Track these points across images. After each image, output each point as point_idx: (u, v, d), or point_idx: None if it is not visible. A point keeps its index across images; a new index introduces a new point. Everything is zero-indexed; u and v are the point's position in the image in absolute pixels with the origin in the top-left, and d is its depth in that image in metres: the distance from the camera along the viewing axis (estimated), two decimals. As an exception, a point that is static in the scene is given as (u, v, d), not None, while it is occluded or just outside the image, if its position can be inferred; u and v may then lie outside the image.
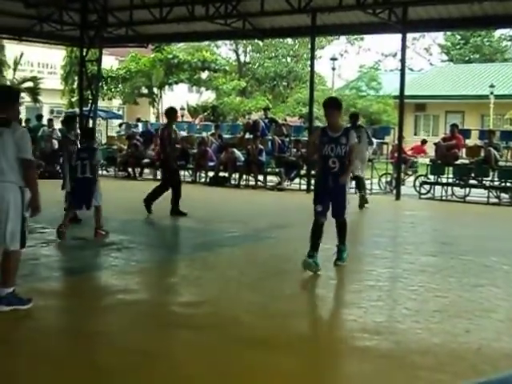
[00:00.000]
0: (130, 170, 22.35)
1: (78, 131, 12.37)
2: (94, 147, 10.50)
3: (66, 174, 11.06)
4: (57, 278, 7.88)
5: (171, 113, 12.98)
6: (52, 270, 8.13)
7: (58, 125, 22.48)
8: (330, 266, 8.39)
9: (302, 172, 19.83)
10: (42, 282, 7.41)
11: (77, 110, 26.30)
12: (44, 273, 8.00)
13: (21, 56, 34.12)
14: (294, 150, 20.78)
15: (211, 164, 20.82)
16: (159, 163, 13.62)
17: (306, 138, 20.50)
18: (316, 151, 8.32)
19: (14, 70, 34.81)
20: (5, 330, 5.69)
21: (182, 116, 36.51)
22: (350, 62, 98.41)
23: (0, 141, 5.90)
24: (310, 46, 22.21)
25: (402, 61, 18.84)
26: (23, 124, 22.69)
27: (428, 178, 18.93)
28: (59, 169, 16.48)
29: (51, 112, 38.14)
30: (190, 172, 21.65)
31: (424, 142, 21.94)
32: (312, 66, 20.58)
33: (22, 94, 35.61)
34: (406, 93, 19.15)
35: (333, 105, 8.17)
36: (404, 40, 18.29)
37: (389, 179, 19.71)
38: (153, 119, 38.54)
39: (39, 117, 24.13)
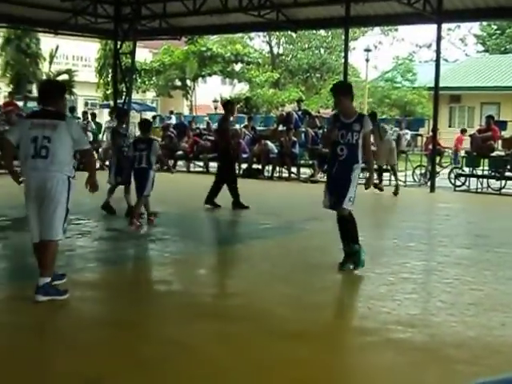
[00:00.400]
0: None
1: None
2: (151, 138, 10.78)
3: (112, 167, 11.32)
4: (92, 269, 7.94)
5: (229, 105, 13.32)
6: (87, 261, 8.20)
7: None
8: (371, 261, 8.34)
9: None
10: (78, 273, 7.48)
11: (111, 102, 26.51)
12: (79, 264, 8.08)
13: (56, 49, 34.46)
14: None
15: (244, 156, 20.83)
16: (218, 155, 13.55)
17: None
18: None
19: (50, 62, 35.17)
20: (42, 320, 5.77)
21: (216, 108, 36.58)
22: (383, 53, 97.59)
23: (55, 133, 6.10)
24: (343, 37, 22.09)
25: (437, 51, 18.64)
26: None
27: (463, 170, 18.75)
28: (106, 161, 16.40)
29: (86, 104, 38.54)
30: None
31: (463, 131, 21.73)
32: (346, 57, 20.44)
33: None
34: (441, 84, 18.97)
35: (338, 91, 7.68)
36: (439, 30, 18.10)
37: (423, 171, 19.55)
38: (186, 111, 38.68)
39: (72, 109, 24.34)
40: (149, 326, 5.64)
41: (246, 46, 43.02)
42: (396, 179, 16.43)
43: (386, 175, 19.02)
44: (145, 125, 11.10)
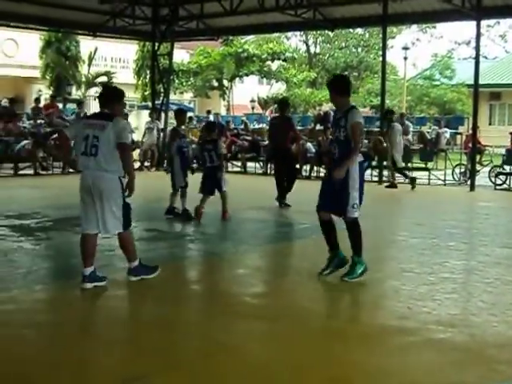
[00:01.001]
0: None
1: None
2: (216, 139, 11.32)
3: (177, 169, 11.20)
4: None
5: (286, 105, 13.75)
6: (126, 261, 8.27)
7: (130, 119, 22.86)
8: (404, 258, 8.31)
9: (374, 163, 19.64)
10: (118, 273, 7.54)
11: (149, 103, 26.69)
12: (119, 264, 8.13)
13: (95, 51, 34.77)
14: (366, 141, 20.59)
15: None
16: (280, 154, 13.49)
17: (377, 129, 20.31)
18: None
19: (89, 65, 35.51)
20: (82, 320, 5.85)
21: (253, 108, 36.68)
22: (422, 51, 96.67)
23: (102, 134, 6.48)
24: (380, 35, 21.96)
25: (477, 48, 18.42)
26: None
27: (503, 169, 18.50)
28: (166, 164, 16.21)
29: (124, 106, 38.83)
30: (261, 164, 21.71)
31: None
32: (384, 55, 20.32)
33: (96, 89, 36.43)
34: (481, 81, 18.73)
35: (328, 86, 7.35)
36: (478, 27, 17.88)
37: (463, 170, 19.35)
38: (223, 112, 38.80)
39: None
40: (189, 325, 5.68)
41: (281, 44, 42.95)
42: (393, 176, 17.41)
43: (421, 174, 18.89)
44: (210, 126, 11.76)
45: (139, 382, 4.31)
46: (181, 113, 12.16)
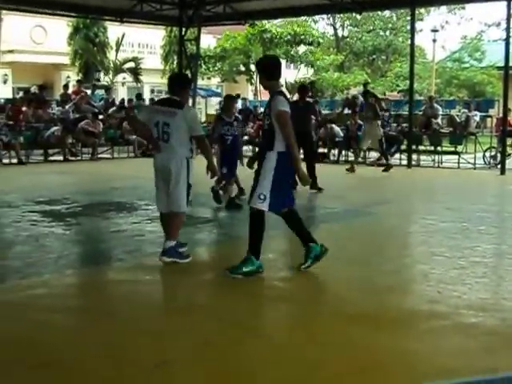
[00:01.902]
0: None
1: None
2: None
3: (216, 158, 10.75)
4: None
5: (305, 89, 13.87)
6: (156, 246, 8.31)
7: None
8: (434, 242, 8.25)
9: (403, 147, 19.51)
10: (148, 258, 7.60)
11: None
12: (149, 249, 8.19)
13: (122, 37, 34.87)
14: (395, 124, 20.46)
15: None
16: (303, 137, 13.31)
17: (406, 113, 20.16)
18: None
19: (117, 51, 35.64)
20: (111, 305, 5.89)
21: (281, 93, 36.46)
22: (451, 33, 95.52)
23: (173, 120, 6.87)
24: (408, 17, 21.72)
25: (507, 30, 18.12)
26: (126, 103, 23.30)
27: (535, 152, 18.29)
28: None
29: (152, 91, 38.97)
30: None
31: None
32: (412, 38, 20.11)
33: (124, 75, 36.56)
34: (511, 63, 18.44)
35: (257, 69, 6.99)
36: (509, 8, 17.56)
37: (493, 153, 19.13)
38: (251, 96, 38.73)
39: (139, 96, 24.66)
40: (218, 309, 5.69)
41: (306, 26, 42.63)
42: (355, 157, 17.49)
43: (451, 158, 18.73)
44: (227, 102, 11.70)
45: (169, 365, 4.33)
46: (228, 99, 11.77)
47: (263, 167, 6.42)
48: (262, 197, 6.36)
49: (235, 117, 11.22)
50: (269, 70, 6.59)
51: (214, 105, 34.22)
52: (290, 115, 6.41)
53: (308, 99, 13.96)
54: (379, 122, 16.71)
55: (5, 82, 32.79)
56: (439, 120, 20.34)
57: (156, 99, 11.58)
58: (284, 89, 38.45)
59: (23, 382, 4.07)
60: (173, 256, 6.96)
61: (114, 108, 22.71)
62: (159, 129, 6.91)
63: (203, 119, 30.08)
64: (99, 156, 20.53)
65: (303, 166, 12.25)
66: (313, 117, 14.04)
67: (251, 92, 41.88)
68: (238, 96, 27.79)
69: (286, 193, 6.62)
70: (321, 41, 41.95)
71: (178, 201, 6.97)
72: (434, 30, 40.20)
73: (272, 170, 6.34)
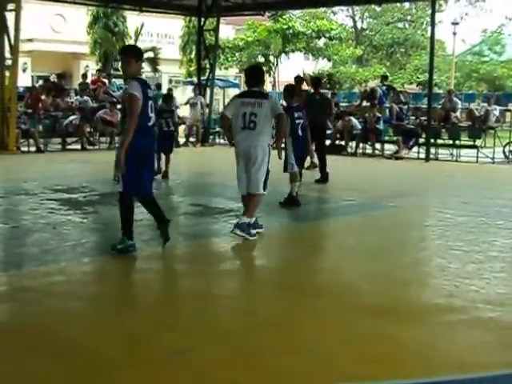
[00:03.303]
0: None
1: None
2: (173, 109, 13.31)
3: (289, 149, 10.34)
4: (178, 243, 8.06)
5: (320, 82, 14.25)
6: (173, 235, 8.33)
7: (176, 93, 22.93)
8: (451, 236, 8.21)
9: (421, 140, 19.42)
10: (164, 247, 7.62)
11: (195, 79, 26.73)
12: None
13: (141, 27, 34.84)
14: (413, 117, 20.36)
15: (328, 132, 20.67)
16: (316, 129, 12.54)
17: (425, 106, 20.05)
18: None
19: (135, 40, 35.63)
20: (128, 293, 5.91)
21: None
22: (470, 25, 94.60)
23: (261, 110, 7.57)
24: (427, 10, 21.56)
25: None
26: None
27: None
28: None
29: (170, 81, 38.97)
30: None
31: None
32: (432, 30, 19.96)
33: (142, 64, 36.58)
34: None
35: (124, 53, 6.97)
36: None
37: (512, 148, 18.99)
38: (269, 88, 38.65)
39: (158, 86, 24.67)
40: (234, 299, 5.70)
41: (329, 22, 42.48)
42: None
43: (470, 151, 18.60)
44: (168, 98, 12.96)
45: (187, 354, 4.34)
46: (290, 88, 11.07)
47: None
48: (116, 178, 7.28)
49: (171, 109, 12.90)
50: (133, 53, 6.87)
51: (231, 96, 34.21)
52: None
53: (323, 91, 13.99)
54: None
55: (24, 70, 32.92)
56: (458, 113, 20.18)
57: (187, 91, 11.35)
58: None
59: (41, 367, 4.09)
60: (244, 231, 7.56)
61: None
62: (246, 119, 7.57)
63: (221, 110, 30.09)
64: (116, 145, 20.56)
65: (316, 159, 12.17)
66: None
67: (270, 83, 41.77)
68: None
69: (142, 179, 6.80)
70: (342, 36, 41.68)
71: (258, 183, 7.68)
72: (455, 23, 39.93)
73: (129, 156, 6.53)
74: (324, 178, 12.90)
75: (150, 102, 6.72)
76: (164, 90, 24.24)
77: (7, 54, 17.86)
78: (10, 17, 17.73)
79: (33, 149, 18.66)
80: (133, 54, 6.82)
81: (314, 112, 12.93)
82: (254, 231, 7.75)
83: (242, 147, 7.71)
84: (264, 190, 7.84)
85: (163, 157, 12.85)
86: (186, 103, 23.20)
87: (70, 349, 4.40)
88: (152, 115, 6.75)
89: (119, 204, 6.91)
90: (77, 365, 4.16)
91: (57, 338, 4.59)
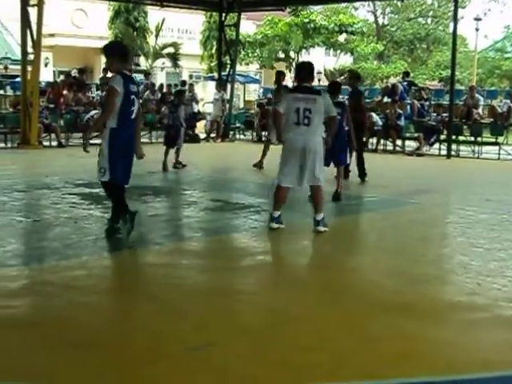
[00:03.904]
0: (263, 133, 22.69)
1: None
2: (178, 104, 13.45)
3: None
4: (198, 238, 8.08)
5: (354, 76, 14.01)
6: (193, 231, 8.35)
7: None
8: (473, 233, 8.15)
9: (443, 137, 19.29)
10: (185, 242, 7.65)
11: (215, 74, 26.76)
12: (186, 233, 8.25)
13: (162, 22, 34.94)
14: (434, 114, 20.23)
15: (348, 128, 20.59)
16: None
17: (447, 102, 19.92)
18: None
19: (156, 36, 35.75)
20: (150, 286, 5.91)
21: (319, 80, 36.32)
22: (493, 21, 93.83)
23: (314, 106, 7.64)
24: (450, 5, 21.40)
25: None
26: (164, 89, 23.35)
27: None
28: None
29: (190, 77, 39.02)
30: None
31: None
32: (455, 26, 19.82)
33: (163, 60, 36.66)
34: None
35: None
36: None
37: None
38: (290, 83, 38.56)
39: (183, 82, 24.73)
40: (252, 295, 5.69)
41: (350, 16, 42.31)
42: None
43: (491, 148, 18.46)
44: (179, 94, 13.21)
45: (208, 349, 4.34)
46: (337, 85, 11.73)
47: (102, 143, 7.21)
48: (101, 171, 7.16)
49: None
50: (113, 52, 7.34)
51: (251, 91, 34.16)
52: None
53: (357, 87, 13.76)
54: None
55: (46, 65, 33.11)
56: (480, 110, 20.04)
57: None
58: (323, 76, 38.38)
59: (63, 361, 4.11)
60: (325, 225, 7.90)
61: (148, 91, 22.76)
62: (300, 114, 7.61)
63: (241, 105, 30.09)
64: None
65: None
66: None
67: (290, 79, 41.69)
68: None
69: (125, 168, 7.26)
70: (364, 30, 41.47)
71: (319, 176, 7.83)
72: (477, 19, 39.59)
73: (105, 146, 7.11)
74: (362, 175, 12.65)
75: (132, 97, 7.13)
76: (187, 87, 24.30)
77: (29, 49, 17.96)
78: (32, 12, 17.82)
79: (54, 143, 18.76)
80: (112, 54, 7.31)
81: (351, 108, 12.56)
82: (275, 225, 7.90)
83: (297, 143, 7.68)
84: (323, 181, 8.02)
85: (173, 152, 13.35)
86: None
87: (92, 343, 4.41)
88: (134, 109, 7.15)
89: (108, 192, 7.45)
90: (98, 359, 4.17)
91: (79, 332, 4.60)
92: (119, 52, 7.37)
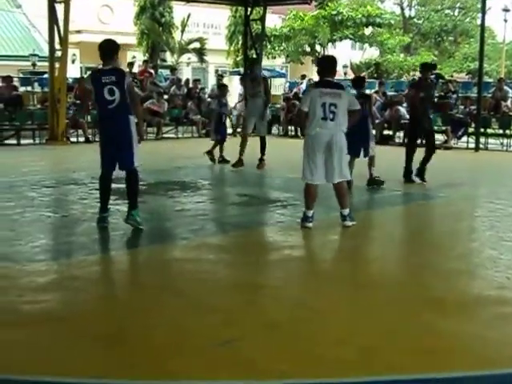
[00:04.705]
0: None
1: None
2: (367, 95, 12.54)
3: (370, 135, 11.02)
4: (225, 232, 8.09)
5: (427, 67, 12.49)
6: (220, 225, 8.36)
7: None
8: (502, 227, 8.06)
9: (471, 130, 19.11)
10: (212, 237, 7.65)
11: (241, 69, 26.73)
12: (213, 228, 8.25)
13: (188, 17, 34.94)
14: (462, 107, 20.04)
15: (376, 121, 20.51)
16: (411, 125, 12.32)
17: (474, 95, 19.72)
18: None
19: (182, 31, 35.76)
20: (175, 281, 5.93)
21: (345, 73, 36.20)
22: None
23: (340, 101, 7.62)
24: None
25: None
26: (190, 84, 23.40)
27: None
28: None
29: (216, 72, 39.01)
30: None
31: None
32: (483, 18, 19.59)
33: (189, 55, 36.71)
34: None
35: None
36: None
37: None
38: (315, 77, 38.43)
39: (220, 76, 24.87)
40: (279, 289, 5.68)
41: (378, 8, 42.01)
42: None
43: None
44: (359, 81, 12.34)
45: (235, 343, 4.33)
46: (382, 81, 11.97)
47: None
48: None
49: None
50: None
51: (277, 85, 34.07)
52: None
53: (432, 79, 12.75)
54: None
55: (73, 61, 33.29)
56: (509, 103, 19.79)
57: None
58: (349, 69, 38.19)
59: (91, 354, 4.13)
60: (352, 219, 7.89)
61: (174, 87, 22.80)
62: (326, 109, 7.56)
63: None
64: (164, 136, 20.71)
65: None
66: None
67: (316, 73, 41.57)
68: (304, 76, 27.77)
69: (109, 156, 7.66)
70: (392, 22, 41.12)
71: (344, 170, 7.82)
72: (505, 10, 39.14)
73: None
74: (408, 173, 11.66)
75: (109, 87, 7.35)
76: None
77: (57, 46, 18.08)
78: (59, 8, 17.93)
79: (81, 139, 18.89)
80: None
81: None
82: (309, 225, 7.84)
83: (323, 138, 7.63)
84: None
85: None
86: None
87: (119, 337, 4.44)
88: (113, 98, 7.34)
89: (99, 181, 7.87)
90: (125, 353, 4.19)
91: (106, 327, 4.63)
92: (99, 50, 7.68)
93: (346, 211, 7.90)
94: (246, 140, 13.21)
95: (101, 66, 7.74)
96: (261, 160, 13.03)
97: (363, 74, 37.10)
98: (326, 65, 8.01)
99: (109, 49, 7.64)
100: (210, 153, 13.52)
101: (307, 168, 7.82)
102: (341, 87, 7.88)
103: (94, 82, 7.53)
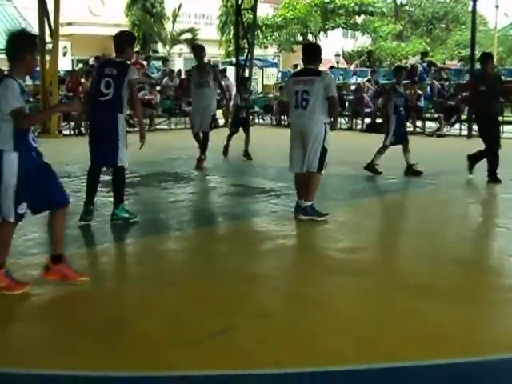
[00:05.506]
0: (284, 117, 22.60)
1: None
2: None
3: (390, 126, 11.32)
4: (219, 223, 8.08)
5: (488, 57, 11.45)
6: (214, 216, 8.35)
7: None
8: (495, 213, 8.08)
9: (463, 117, 19.11)
10: (205, 227, 7.65)
11: (233, 59, 26.65)
12: (206, 218, 8.24)
13: (179, 8, 34.86)
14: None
15: (368, 110, 20.50)
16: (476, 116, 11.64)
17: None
18: None
19: (173, 22, 35.67)
20: (172, 273, 5.92)
21: (337, 62, 36.17)
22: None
23: (312, 87, 7.43)
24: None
25: None
26: (183, 75, 23.34)
27: None
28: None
29: (208, 62, 38.95)
30: (346, 119, 21.48)
31: None
32: (474, 4, 19.57)
33: (181, 46, 36.59)
34: None
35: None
36: None
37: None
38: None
39: (223, 70, 24.82)
40: (274, 279, 5.67)
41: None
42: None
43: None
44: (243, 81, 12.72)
45: (229, 334, 4.33)
46: (399, 70, 12.18)
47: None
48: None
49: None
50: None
51: (269, 75, 33.99)
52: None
53: (493, 70, 11.78)
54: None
55: (64, 54, 33.17)
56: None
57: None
58: (341, 58, 38.12)
59: (88, 348, 4.13)
60: (309, 214, 7.57)
61: (166, 78, 22.75)
62: (298, 97, 7.48)
63: (259, 90, 29.98)
64: (156, 127, 20.66)
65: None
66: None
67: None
68: (296, 66, 27.73)
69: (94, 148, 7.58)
70: (384, 10, 41.06)
71: (314, 162, 7.51)
72: (497, -3, 39.12)
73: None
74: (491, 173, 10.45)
75: (107, 79, 7.23)
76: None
77: (48, 38, 17.99)
78: (49, 1, 17.83)
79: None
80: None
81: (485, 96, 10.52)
82: (321, 218, 7.66)
83: (297, 126, 7.64)
84: (321, 170, 7.64)
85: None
86: None
87: (113, 329, 4.43)
88: (105, 91, 7.23)
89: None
90: (121, 344, 4.18)
91: (101, 319, 4.62)
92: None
93: (306, 203, 7.66)
94: (197, 137, 12.41)
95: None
96: (199, 159, 12.04)
97: (360, 61, 37.09)
98: (309, 53, 7.88)
99: (121, 40, 7.47)
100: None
101: (289, 157, 7.82)
102: (316, 73, 7.60)
103: (96, 70, 7.54)
